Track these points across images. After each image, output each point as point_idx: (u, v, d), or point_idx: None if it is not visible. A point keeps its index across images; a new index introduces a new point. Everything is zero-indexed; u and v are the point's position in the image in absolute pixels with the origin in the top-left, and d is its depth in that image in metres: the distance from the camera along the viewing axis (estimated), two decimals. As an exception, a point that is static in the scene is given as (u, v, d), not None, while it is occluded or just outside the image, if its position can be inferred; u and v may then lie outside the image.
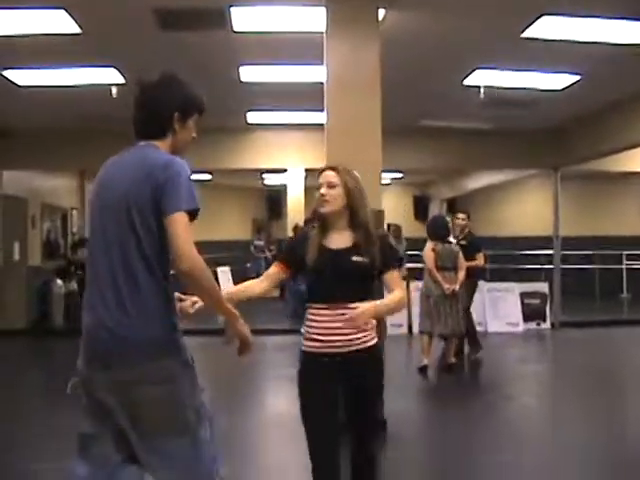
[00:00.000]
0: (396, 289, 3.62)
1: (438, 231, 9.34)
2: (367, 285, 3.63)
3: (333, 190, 3.62)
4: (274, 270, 3.75)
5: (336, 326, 3.47)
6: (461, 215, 10.52)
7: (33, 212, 14.55)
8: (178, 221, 2.77)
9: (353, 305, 3.42)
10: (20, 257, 13.92)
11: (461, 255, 9.25)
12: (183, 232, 2.76)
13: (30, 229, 14.40)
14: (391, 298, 3.62)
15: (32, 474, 5.33)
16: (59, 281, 14.39)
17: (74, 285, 15.07)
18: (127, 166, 2.95)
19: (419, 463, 5.82)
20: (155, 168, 2.86)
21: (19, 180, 13.73)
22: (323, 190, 3.63)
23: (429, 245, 9.24)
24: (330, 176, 3.66)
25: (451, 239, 9.64)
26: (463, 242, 10.10)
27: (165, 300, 2.90)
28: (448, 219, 10.49)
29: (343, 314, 3.42)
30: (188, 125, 3.09)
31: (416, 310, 10.85)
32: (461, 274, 9.12)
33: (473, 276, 9.98)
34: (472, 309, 10.31)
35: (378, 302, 3.54)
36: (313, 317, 3.57)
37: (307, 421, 3.57)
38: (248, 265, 19.57)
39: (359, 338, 3.51)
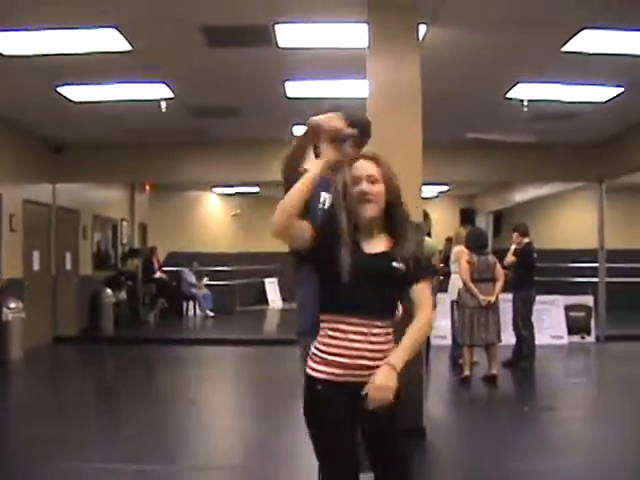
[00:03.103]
0: (422, 307, 2.92)
1: (477, 242, 9.42)
2: (402, 296, 3.02)
3: (375, 186, 2.92)
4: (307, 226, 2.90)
5: (366, 347, 2.85)
6: (514, 236, 10.60)
7: (84, 223, 14.95)
8: None
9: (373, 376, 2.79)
10: (72, 267, 14.29)
11: (499, 266, 9.30)
12: None
13: (81, 240, 14.79)
14: (412, 332, 2.89)
15: (77, 472, 5.53)
16: (109, 291, 14.72)
17: (123, 295, 15.42)
18: None
19: (456, 470, 5.89)
20: None
21: (71, 192, 14.11)
22: (364, 186, 2.90)
23: (464, 256, 9.32)
24: (370, 168, 2.93)
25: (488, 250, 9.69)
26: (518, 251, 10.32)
27: None
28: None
29: (374, 333, 2.85)
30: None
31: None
32: (498, 285, 9.16)
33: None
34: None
35: (399, 349, 2.85)
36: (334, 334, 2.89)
37: (327, 460, 2.96)
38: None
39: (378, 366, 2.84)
